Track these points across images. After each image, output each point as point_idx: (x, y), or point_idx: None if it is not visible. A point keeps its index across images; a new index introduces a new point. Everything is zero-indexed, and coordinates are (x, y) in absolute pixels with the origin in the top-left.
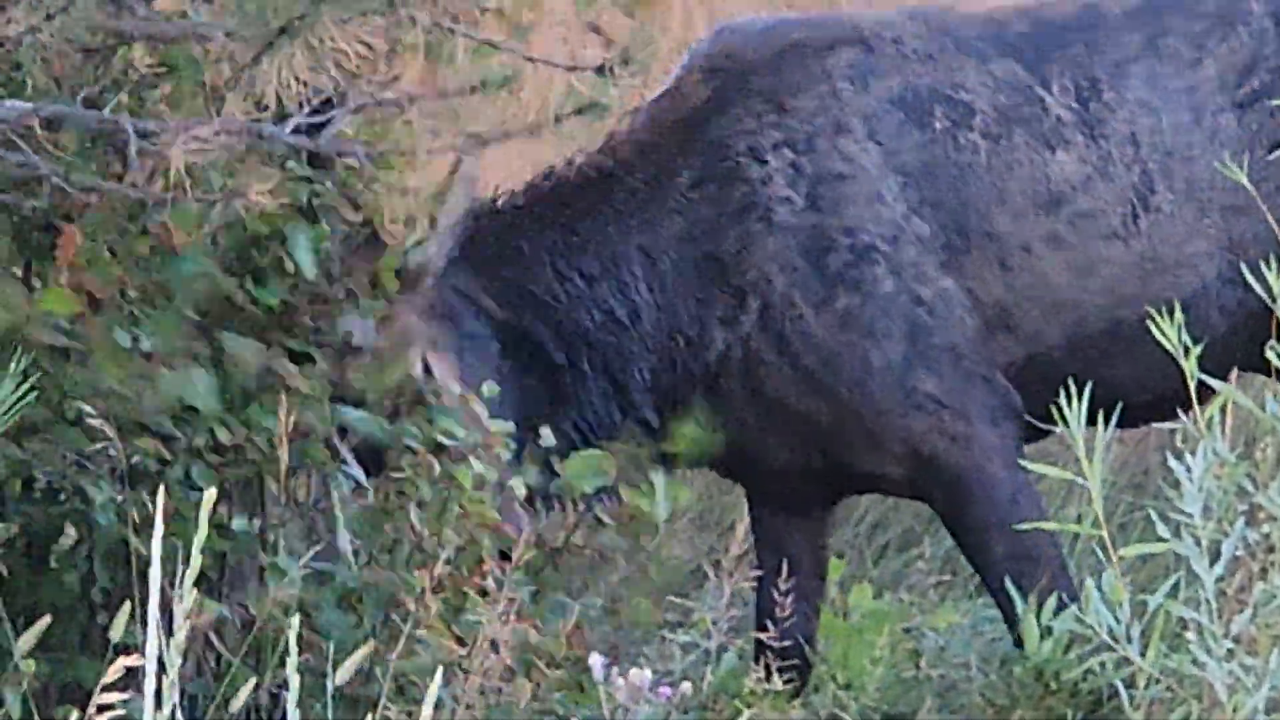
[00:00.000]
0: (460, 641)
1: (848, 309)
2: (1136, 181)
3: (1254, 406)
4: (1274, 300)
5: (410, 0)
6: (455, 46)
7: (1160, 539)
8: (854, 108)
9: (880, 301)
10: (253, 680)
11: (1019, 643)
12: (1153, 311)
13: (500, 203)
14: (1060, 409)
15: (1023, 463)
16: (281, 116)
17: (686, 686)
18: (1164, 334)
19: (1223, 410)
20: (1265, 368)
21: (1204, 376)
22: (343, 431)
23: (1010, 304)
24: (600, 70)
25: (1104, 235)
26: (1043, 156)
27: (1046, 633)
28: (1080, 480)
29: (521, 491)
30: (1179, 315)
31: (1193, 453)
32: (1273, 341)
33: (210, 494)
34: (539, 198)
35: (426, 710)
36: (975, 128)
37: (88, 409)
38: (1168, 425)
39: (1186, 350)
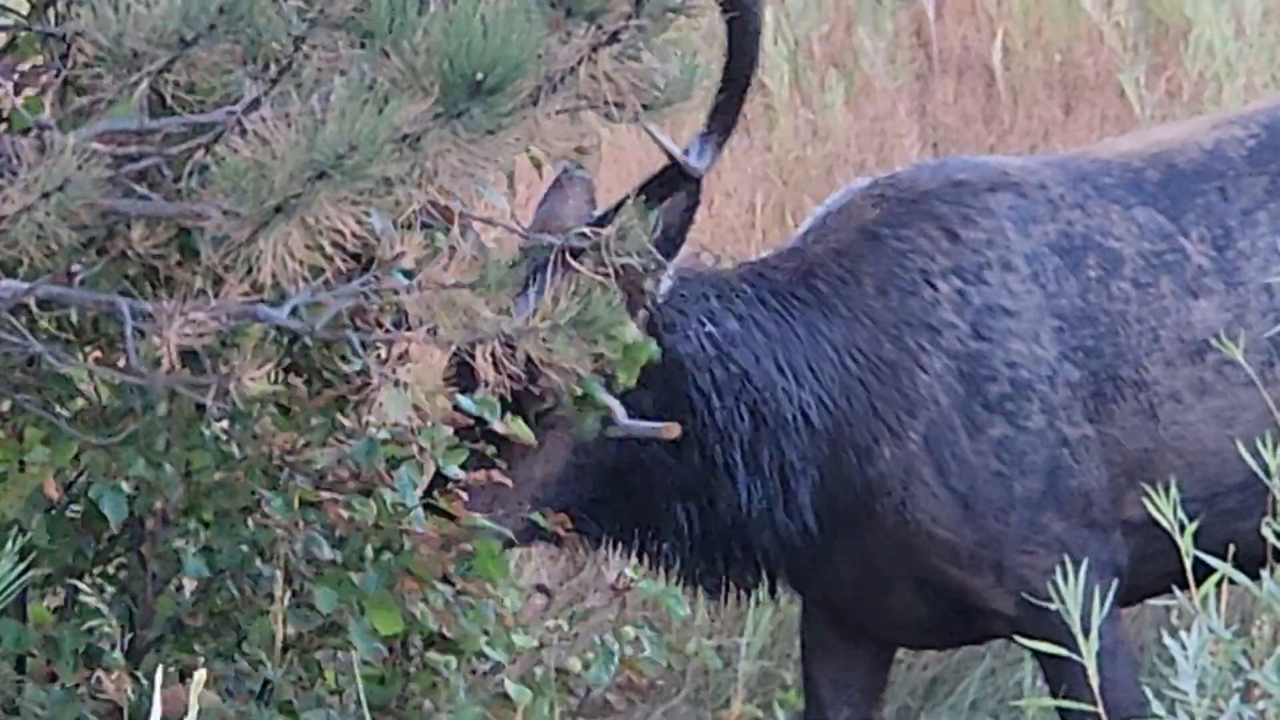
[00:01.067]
0: None
1: (1002, 438)
2: (1271, 328)
3: (1250, 584)
4: (1269, 476)
5: (408, 179)
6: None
7: (1156, 716)
8: (1018, 248)
9: (1031, 436)
10: None
11: None
12: (1148, 487)
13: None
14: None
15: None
16: (279, 298)
17: None
18: (1159, 509)
19: (1219, 587)
20: None
21: (1199, 553)
22: None
23: (1155, 454)
24: (596, 248)
25: (1244, 383)
26: (1187, 304)
27: None
28: (1075, 658)
29: None
30: (1174, 490)
31: (1188, 629)
32: (1269, 519)
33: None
34: (759, 284)
35: None
36: (1125, 276)
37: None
38: (1163, 601)
39: (1182, 527)
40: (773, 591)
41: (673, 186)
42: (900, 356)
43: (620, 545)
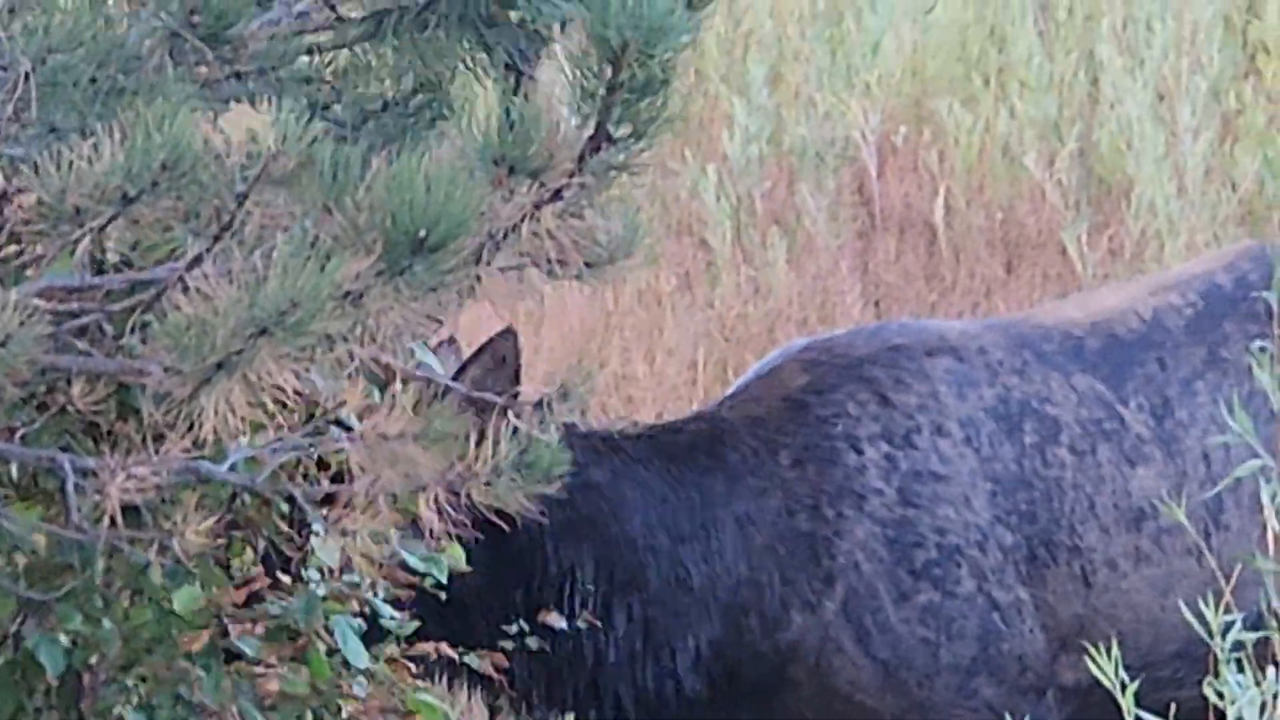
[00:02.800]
0: None
1: (928, 604)
2: (1209, 498)
3: None
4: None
5: (350, 336)
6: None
7: None
8: (952, 412)
9: (959, 602)
10: None
11: None
12: (1089, 647)
13: (618, 433)
14: None
15: None
16: (220, 453)
17: None
18: (1100, 669)
19: None
20: None
21: (1145, 714)
22: None
23: (1088, 621)
24: (538, 405)
25: (1182, 552)
26: (1125, 472)
27: None
28: None
29: None
30: (1115, 650)
31: None
32: (1210, 679)
33: None
34: (650, 444)
35: None
36: (1063, 443)
37: None
38: None
39: (1124, 686)
40: None
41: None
42: (816, 527)
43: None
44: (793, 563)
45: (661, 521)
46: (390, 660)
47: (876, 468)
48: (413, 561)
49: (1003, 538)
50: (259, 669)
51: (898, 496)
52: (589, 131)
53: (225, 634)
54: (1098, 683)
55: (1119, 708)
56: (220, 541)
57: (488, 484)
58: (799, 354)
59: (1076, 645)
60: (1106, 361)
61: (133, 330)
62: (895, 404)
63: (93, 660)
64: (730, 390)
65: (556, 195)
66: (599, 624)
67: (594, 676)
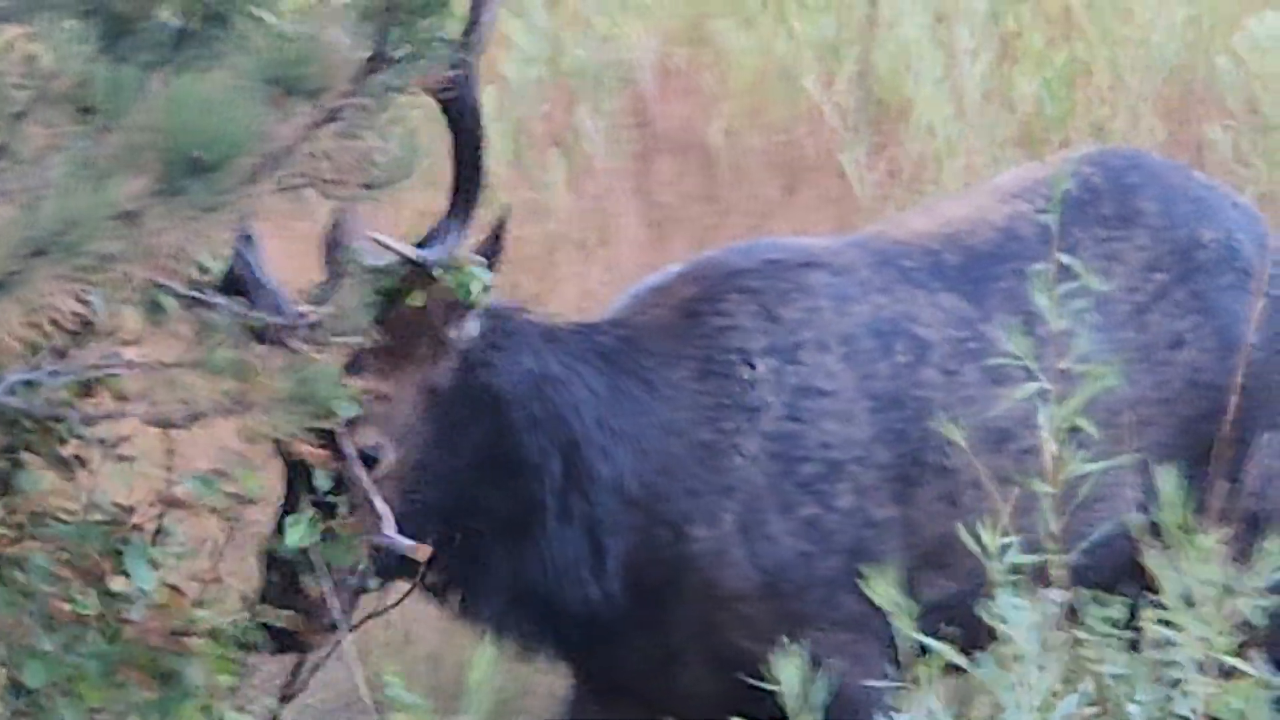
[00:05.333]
0: None
1: (810, 518)
2: (1066, 414)
3: (967, 664)
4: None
5: (126, 255)
6: (173, 305)
7: None
8: (833, 328)
9: (838, 516)
10: None
11: None
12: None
13: (554, 327)
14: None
15: None
16: None
17: None
18: (883, 596)
19: (940, 668)
20: None
21: (921, 637)
22: None
23: (954, 539)
24: (313, 327)
25: (1041, 471)
26: (990, 393)
27: None
28: None
29: None
30: (891, 572)
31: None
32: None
33: None
34: (583, 342)
35: None
36: (931, 363)
37: None
38: (882, 685)
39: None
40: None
41: (410, 280)
42: (715, 439)
43: (447, 593)
44: (697, 474)
45: (604, 422)
46: (171, 586)
47: (766, 382)
48: (190, 485)
49: (880, 455)
50: (47, 588)
51: (785, 411)
52: (367, 53)
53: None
54: (958, 597)
55: (980, 621)
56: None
57: (264, 414)
58: (681, 270)
59: (939, 562)
60: (967, 278)
61: None
62: (780, 318)
63: None
64: (620, 302)
65: (334, 116)
66: (558, 519)
67: (551, 588)
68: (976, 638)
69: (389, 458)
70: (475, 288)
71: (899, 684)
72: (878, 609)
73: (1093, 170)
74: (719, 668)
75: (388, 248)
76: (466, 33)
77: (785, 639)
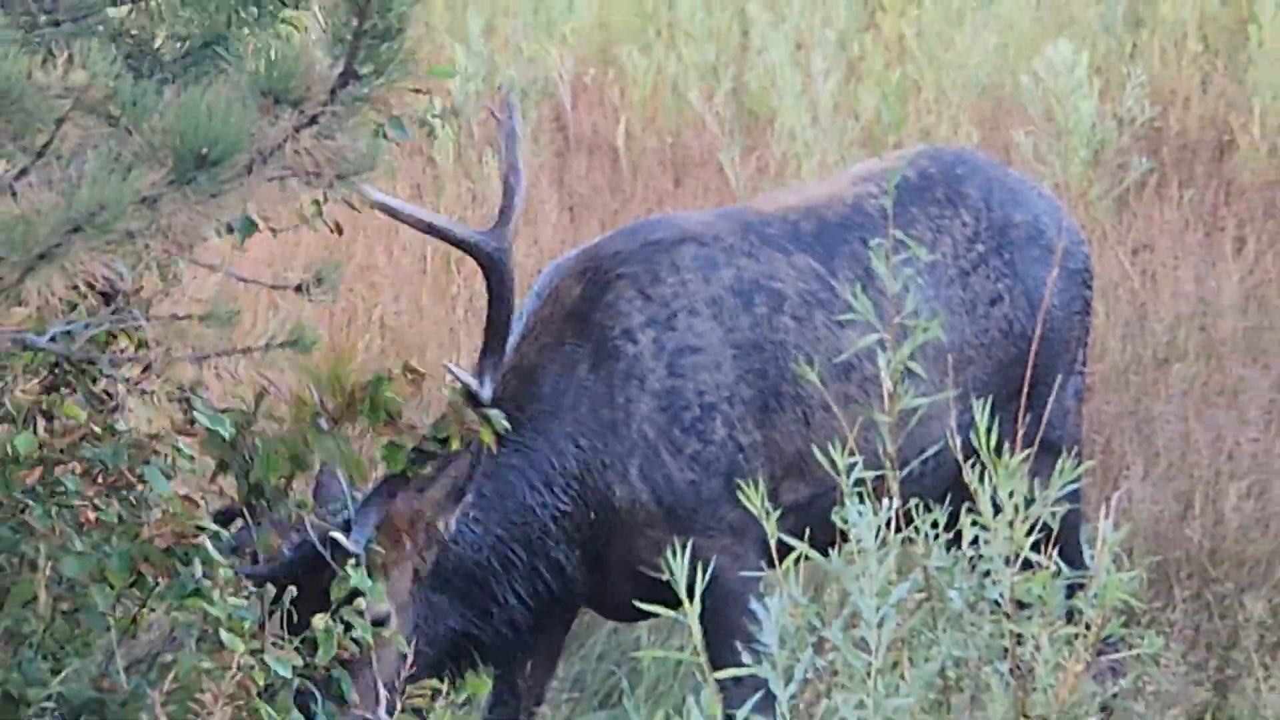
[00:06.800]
0: None
1: (694, 453)
2: (900, 358)
3: (821, 560)
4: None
5: (146, 233)
6: (182, 271)
7: (745, 664)
8: (701, 294)
9: (715, 447)
10: None
11: None
12: (744, 485)
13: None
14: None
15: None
16: (41, 329)
17: None
18: (749, 499)
19: (798, 562)
20: None
21: (784, 536)
22: None
23: (808, 453)
24: (299, 289)
25: (880, 396)
26: (836, 333)
27: None
28: (681, 618)
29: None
30: (763, 486)
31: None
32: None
33: None
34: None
35: None
36: (786, 311)
37: None
38: (754, 574)
39: (767, 514)
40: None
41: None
42: (614, 414)
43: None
44: (606, 448)
45: (534, 482)
46: (186, 498)
47: (649, 351)
48: (201, 420)
49: (744, 392)
50: (79, 502)
51: (667, 371)
52: (339, 69)
53: (52, 471)
54: (812, 500)
55: (831, 523)
56: (44, 399)
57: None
58: (571, 265)
59: (795, 472)
60: (820, 242)
61: None
62: (654, 296)
63: None
64: (521, 318)
65: (313, 120)
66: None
67: (507, 574)
68: (830, 537)
69: (394, 622)
70: (499, 428)
71: (768, 575)
72: (754, 517)
73: (929, 163)
74: (634, 575)
75: (455, 376)
76: (501, 219)
77: (679, 545)
